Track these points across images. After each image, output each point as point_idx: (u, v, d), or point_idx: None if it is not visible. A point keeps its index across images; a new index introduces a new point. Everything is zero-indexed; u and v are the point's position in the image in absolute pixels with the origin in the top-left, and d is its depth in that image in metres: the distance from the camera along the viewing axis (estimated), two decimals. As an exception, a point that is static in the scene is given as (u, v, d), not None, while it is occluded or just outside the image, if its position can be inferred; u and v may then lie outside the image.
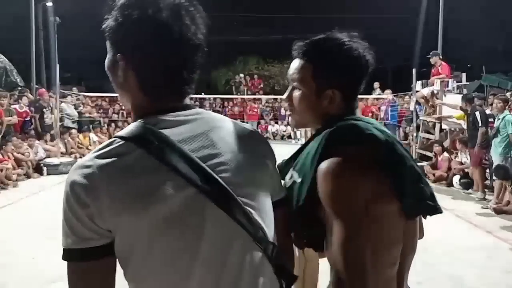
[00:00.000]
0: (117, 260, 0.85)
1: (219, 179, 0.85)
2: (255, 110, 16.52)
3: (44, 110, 10.52)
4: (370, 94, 14.00)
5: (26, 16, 15.30)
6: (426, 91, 9.69)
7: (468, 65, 21.38)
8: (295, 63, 1.17)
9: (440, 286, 3.63)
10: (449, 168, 8.02)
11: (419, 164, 1.19)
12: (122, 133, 0.87)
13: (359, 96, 1.23)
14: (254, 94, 18.32)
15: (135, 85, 0.89)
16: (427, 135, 9.91)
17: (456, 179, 7.73)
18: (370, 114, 12.41)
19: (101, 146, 0.86)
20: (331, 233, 1.01)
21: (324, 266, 1.27)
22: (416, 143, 9.76)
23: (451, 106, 8.37)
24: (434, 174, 8.26)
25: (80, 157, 10.49)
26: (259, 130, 14.63)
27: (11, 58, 12.90)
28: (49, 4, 18.80)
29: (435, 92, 9.30)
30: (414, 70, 9.80)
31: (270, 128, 16.10)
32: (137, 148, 0.83)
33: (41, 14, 18.63)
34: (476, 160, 6.91)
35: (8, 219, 5.71)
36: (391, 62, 22.70)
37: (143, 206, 0.80)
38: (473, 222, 5.53)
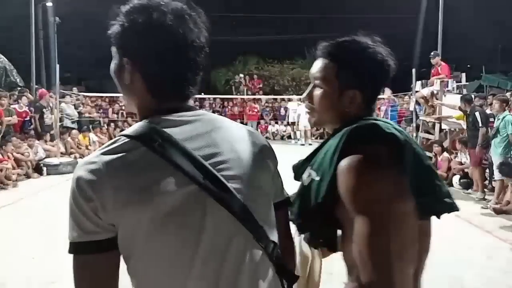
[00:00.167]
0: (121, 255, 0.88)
1: (220, 177, 0.87)
2: (255, 110, 16.53)
3: (44, 110, 10.53)
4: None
5: (25, 16, 15.27)
6: (426, 91, 9.70)
7: (468, 65, 21.40)
8: (319, 62, 1.18)
9: (439, 286, 3.62)
10: (449, 168, 8.03)
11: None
12: (127, 131, 0.90)
13: None
14: (254, 94, 18.33)
15: (141, 87, 0.92)
16: (426, 135, 9.91)
17: (456, 179, 7.74)
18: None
19: (106, 144, 0.89)
20: (351, 232, 1.00)
21: (326, 267, 1.27)
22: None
23: (450, 106, 8.37)
24: (434, 174, 8.24)
25: (80, 157, 10.51)
26: (259, 130, 14.66)
27: (10, 58, 12.90)
28: (49, 4, 18.80)
29: (435, 92, 9.31)
30: (413, 70, 9.80)
31: (270, 128, 16.11)
32: (141, 146, 0.85)
33: (41, 14, 18.63)
34: (476, 160, 6.91)
35: (7, 219, 5.70)
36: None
37: (145, 200, 0.82)
38: (473, 222, 5.53)
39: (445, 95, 9.11)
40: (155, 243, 0.84)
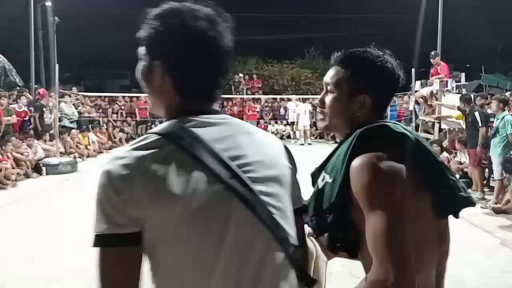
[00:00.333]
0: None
1: (244, 178, 0.89)
2: (255, 110, 16.53)
3: (44, 109, 10.53)
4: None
5: (25, 16, 15.27)
6: (425, 91, 9.70)
7: (467, 65, 21.42)
8: (332, 70, 1.24)
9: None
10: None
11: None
12: (155, 129, 0.92)
13: None
14: (254, 94, 18.32)
15: (170, 88, 0.95)
16: (426, 135, 9.91)
17: (455, 179, 7.73)
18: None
19: (136, 140, 0.91)
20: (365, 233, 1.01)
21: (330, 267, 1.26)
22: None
23: (448, 106, 8.37)
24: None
25: (80, 157, 10.51)
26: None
27: (10, 57, 12.89)
28: (48, 4, 18.79)
29: (434, 92, 9.31)
30: (413, 70, 9.80)
31: (269, 128, 16.10)
32: (170, 143, 0.88)
33: (40, 14, 18.62)
34: (475, 160, 6.91)
35: (7, 219, 5.69)
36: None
37: (172, 197, 0.84)
38: (472, 222, 5.52)
39: (444, 95, 9.11)
40: (179, 240, 0.85)
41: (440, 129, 9.25)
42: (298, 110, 14.95)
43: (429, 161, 1.09)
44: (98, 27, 27.32)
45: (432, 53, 10.07)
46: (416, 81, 10.12)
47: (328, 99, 1.22)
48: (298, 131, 15.08)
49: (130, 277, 0.86)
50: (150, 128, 17.31)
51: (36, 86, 14.33)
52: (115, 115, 15.46)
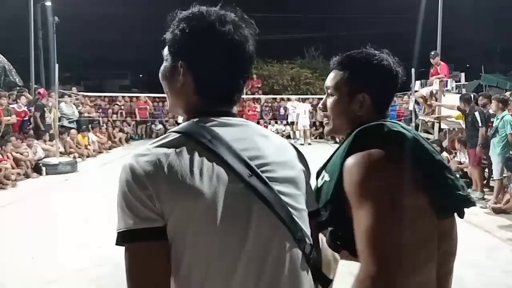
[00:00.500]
0: None
1: (264, 177, 0.90)
2: (255, 110, 16.53)
3: (45, 109, 10.53)
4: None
5: (25, 16, 15.28)
6: (425, 91, 9.71)
7: (467, 65, 21.43)
8: (331, 74, 1.27)
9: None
10: (448, 168, 8.03)
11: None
12: (176, 128, 0.94)
13: None
14: (253, 94, 18.33)
15: (191, 89, 0.96)
16: (426, 135, 9.91)
17: (455, 178, 7.74)
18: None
19: (158, 139, 0.92)
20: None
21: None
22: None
23: (448, 106, 8.37)
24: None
25: (79, 157, 10.51)
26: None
27: (10, 57, 12.89)
28: (48, 3, 18.79)
29: (434, 92, 9.31)
30: (413, 70, 9.81)
31: (269, 128, 16.09)
32: (192, 142, 0.89)
33: (40, 13, 18.62)
34: (475, 160, 6.91)
35: (7, 219, 5.69)
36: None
37: (196, 194, 0.85)
38: (472, 222, 5.53)
39: (444, 95, 9.11)
40: (203, 237, 0.85)
41: (440, 129, 9.25)
42: (298, 110, 14.96)
43: (427, 160, 1.09)
44: (98, 27, 27.35)
45: (432, 53, 10.08)
46: (416, 81, 10.13)
47: (329, 102, 1.25)
48: (298, 131, 15.09)
49: (160, 274, 0.85)
50: (150, 128, 17.30)
51: (36, 86, 14.34)
52: (115, 115, 15.46)
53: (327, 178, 1.14)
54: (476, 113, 6.82)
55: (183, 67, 0.95)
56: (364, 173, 1.02)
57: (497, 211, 6.07)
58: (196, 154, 0.88)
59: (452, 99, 8.61)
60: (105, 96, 16.54)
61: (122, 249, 0.86)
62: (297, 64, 22.76)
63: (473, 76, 18.71)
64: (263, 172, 0.91)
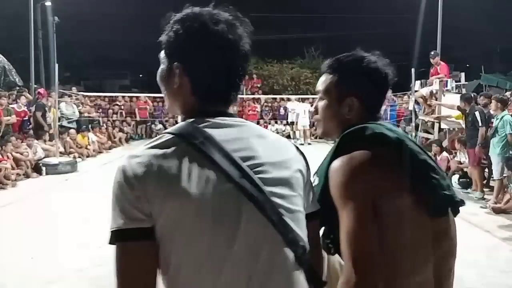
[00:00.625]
0: None
1: (255, 179, 0.91)
2: (254, 110, 16.52)
3: (46, 108, 10.53)
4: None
5: (25, 16, 15.28)
6: (425, 91, 9.70)
7: (467, 65, 21.42)
8: (322, 77, 1.29)
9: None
10: (448, 168, 8.03)
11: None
12: (170, 129, 0.96)
13: None
14: (253, 94, 18.32)
15: (188, 90, 0.98)
16: (426, 135, 9.91)
17: (455, 178, 7.74)
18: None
19: (152, 140, 0.94)
20: None
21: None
22: (415, 142, 9.75)
23: (448, 106, 8.37)
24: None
25: (79, 157, 10.51)
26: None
27: (9, 57, 12.89)
28: (48, 3, 18.78)
29: (434, 92, 9.31)
30: (413, 70, 9.81)
31: (269, 127, 16.08)
32: (183, 143, 0.91)
33: (39, 13, 18.61)
34: (474, 160, 6.91)
35: (7, 219, 5.69)
36: (390, 62, 22.75)
37: (184, 195, 0.86)
38: (472, 221, 5.53)
39: (444, 95, 9.11)
40: (191, 238, 0.86)
41: (440, 129, 9.24)
42: (298, 110, 14.95)
43: (410, 161, 1.10)
44: (98, 27, 27.32)
45: (432, 53, 10.08)
46: (416, 81, 10.12)
47: (320, 105, 1.28)
48: (298, 131, 15.09)
49: (148, 273, 0.88)
50: (150, 128, 17.26)
51: (35, 86, 14.34)
52: (115, 115, 15.45)
53: (316, 181, 1.16)
54: (477, 113, 6.81)
55: (179, 68, 0.96)
56: (346, 176, 1.04)
57: (497, 211, 6.07)
58: (187, 155, 0.89)
59: (452, 99, 8.60)
60: (105, 96, 16.53)
61: None
62: (297, 64, 22.75)
63: (473, 76, 18.71)
64: (255, 173, 0.91)
